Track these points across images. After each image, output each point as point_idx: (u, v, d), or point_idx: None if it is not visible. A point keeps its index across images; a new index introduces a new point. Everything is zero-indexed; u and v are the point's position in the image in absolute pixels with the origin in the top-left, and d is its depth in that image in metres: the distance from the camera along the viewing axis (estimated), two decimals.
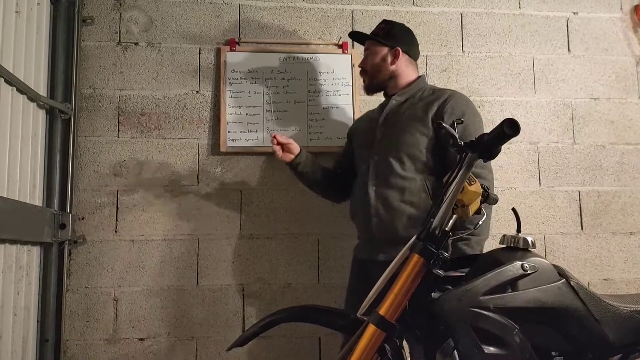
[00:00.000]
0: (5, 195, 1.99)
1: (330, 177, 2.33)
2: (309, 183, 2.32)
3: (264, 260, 2.54)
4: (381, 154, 2.06)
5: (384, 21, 2.26)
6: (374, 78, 2.21)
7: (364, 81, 2.27)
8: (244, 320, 2.50)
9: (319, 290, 2.54)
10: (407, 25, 2.24)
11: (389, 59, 2.16)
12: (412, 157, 2.00)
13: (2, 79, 1.98)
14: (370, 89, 2.27)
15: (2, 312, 1.98)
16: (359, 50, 2.62)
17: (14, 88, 2.08)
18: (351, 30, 2.66)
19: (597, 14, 2.86)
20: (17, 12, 2.11)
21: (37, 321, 2.30)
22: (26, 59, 2.19)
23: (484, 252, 1.86)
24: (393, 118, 2.10)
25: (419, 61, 2.67)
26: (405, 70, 2.18)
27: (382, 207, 2.00)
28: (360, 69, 2.27)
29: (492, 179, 2.00)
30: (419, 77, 2.21)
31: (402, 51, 2.16)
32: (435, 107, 2.03)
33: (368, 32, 2.28)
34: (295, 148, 2.22)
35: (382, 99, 2.27)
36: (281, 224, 2.56)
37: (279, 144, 2.20)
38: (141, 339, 2.44)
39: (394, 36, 2.19)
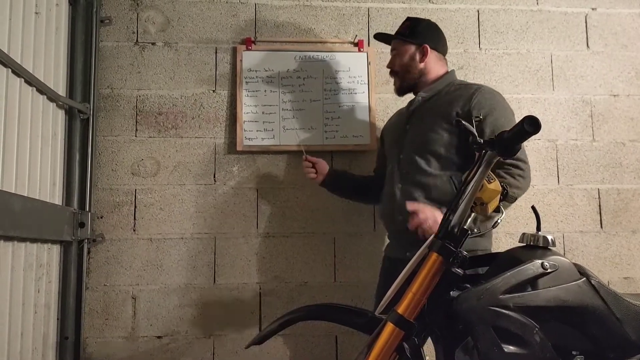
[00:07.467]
0: (25, 194, 2.02)
1: (365, 185, 2.35)
2: (345, 196, 2.46)
3: (281, 259, 2.54)
4: (407, 151, 2.04)
5: (408, 19, 2.19)
6: (404, 79, 2.15)
7: (394, 83, 2.21)
8: (260, 318, 2.50)
9: (335, 288, 2.54)
10: None
11: (418, 57, 2.10)
12: (436, 154, 1.96)
13: (22, 80, 2.01)
14: (402, 91, 2.20)
15: (23, 309, 2.01)
16: (374, 48, 2.61)
17: (34, 88, 2.11)
18: (367, 27, 2.66)
19: (616, 10, 2.82)
20: (36, 13, 2.13)
21: (57, 319, 2.33)
22: (45, 59, 2.22)
23: (502, 251, 1.85)
24: (419, 115, 2.07)
25: None
26: (434, 66, 2.12)
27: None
28: (389, 70, 2.21)
29: (528, 168, 1.89)
30: (448, 72, 2.14)
31: (430, 47, 2.10)
32: (461, 102, 1.96)
33: (385, 30, 2.25)
34: (324, 166, 2.33)
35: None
36: (297, 222, 2.57)
37: (311, 164, 2.33)
38: (159, 337, 2.46)
39: (420, 33, 2.12)
